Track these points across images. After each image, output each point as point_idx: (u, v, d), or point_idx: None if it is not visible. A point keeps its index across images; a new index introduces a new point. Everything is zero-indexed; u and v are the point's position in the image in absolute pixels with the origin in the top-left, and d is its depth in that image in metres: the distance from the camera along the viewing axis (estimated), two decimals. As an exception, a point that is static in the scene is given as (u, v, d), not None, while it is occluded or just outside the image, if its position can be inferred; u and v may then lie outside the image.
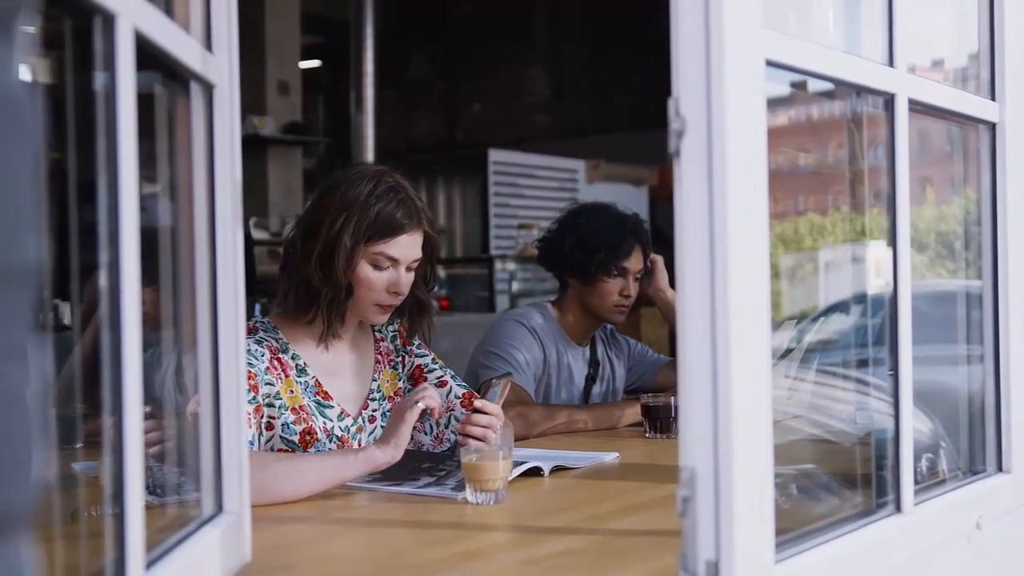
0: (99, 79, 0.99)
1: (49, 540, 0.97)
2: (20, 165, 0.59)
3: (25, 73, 0.63)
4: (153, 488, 1.31)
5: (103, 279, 0.98)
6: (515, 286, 7.38)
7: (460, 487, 1.91)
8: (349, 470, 1.93)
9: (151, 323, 1.17)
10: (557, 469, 2.17)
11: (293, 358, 2.21)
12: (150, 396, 1.07)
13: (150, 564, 1.07)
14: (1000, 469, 1.79)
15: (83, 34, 0.99)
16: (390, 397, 2.34)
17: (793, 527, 1.33)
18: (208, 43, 1.33)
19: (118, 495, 0.99)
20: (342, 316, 2.22)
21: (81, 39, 1.00)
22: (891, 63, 1.49)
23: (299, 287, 2.19)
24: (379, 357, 2.36)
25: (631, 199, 6.49)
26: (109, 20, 0.97)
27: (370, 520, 1.78)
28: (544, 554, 1.56)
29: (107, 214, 0.97)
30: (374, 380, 2.33)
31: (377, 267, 2.17)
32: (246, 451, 1.40)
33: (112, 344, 0.98)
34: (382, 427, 2.28)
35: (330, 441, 2.19)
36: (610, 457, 2.34)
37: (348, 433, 2.24)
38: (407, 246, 2.19)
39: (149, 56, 1.09)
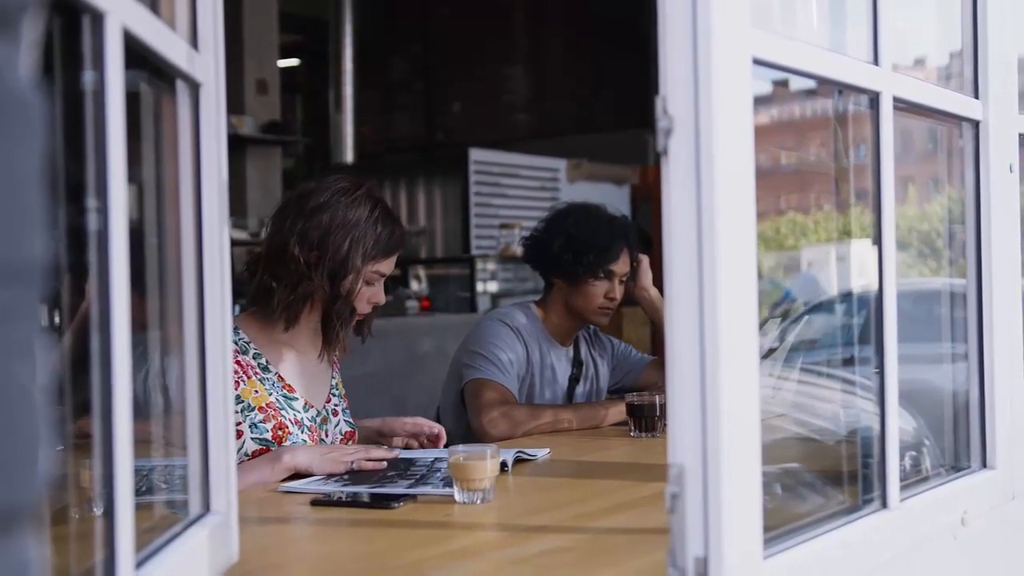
0: (87, 77, 0.98)
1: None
2: (27, 163, 0.59)
3: (30, 71, 0.63)
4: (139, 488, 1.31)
5: (92, 281, 0.97)
6: (496, 286, 7.36)
7: (448, 483, 1.90)
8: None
9: (135, 324, 1.17)
10: (519, 461, 2.22)
11: (255, 357, 2.25)
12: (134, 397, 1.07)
13: (139, 564, 1.06)
14: (984, 465, 1.80)
15: (68, 32, 0.98)
16: (344, 396, 2.44)
17: (781, 524, 1.33)
18: (194, 41, 1.33)
19: (108, 496, 0.98)
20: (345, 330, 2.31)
21: (66, 37, 0.99)
22: (876, 61, 1.50)
23: (300, 300, 2.23)
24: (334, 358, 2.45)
25: (612, 199, 6.49)
26: (98, 19, 0.97)
27: (357, 520, 1.78)
28: (533, 552, 1.56)
29: (96, 214, 0.97)
30: (333, 377, 2.42)
31: (369, 284, 2.27)
32: (233, 451, 1.40)
33: (101, 345, 0.98)
34: (345, 421, 2.40)
35: (301, 432, 2.25)
36: (541, 453, 2.34)
37: (315, 423, 2.30)
38: (393, 262, 2.31)
39: (134, 54, 1.09)
